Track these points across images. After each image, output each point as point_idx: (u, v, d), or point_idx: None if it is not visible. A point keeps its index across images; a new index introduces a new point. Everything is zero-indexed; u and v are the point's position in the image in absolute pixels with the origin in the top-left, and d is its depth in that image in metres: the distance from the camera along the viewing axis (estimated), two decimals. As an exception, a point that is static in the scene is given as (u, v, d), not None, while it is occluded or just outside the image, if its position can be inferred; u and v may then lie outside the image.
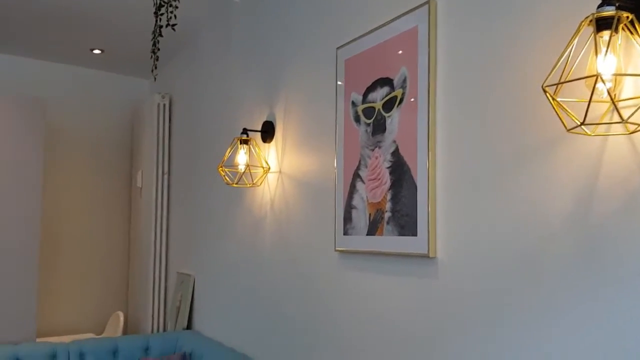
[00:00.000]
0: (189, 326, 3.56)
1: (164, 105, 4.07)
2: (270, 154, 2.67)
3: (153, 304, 3.99)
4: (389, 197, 1.85)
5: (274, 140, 2.66)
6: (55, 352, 3.07)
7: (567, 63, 1.24)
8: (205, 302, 3.36)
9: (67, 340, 3.55)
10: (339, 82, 2.14)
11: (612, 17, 1.12)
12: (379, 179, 1.90)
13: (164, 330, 3.94)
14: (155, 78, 2.49)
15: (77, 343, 3.16)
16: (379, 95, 1.93)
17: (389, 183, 1.86)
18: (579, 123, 1.17)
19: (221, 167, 2.63)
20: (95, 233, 4.51)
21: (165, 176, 4.06)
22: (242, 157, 2.61)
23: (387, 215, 1.85)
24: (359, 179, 2.00)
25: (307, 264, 2.33)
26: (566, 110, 1.22)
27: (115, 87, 4.62)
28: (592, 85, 1.10)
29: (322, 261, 2.23)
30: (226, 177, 2.73)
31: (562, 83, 1.19)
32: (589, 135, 1.27)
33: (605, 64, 1.12)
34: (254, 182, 2.69)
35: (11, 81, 4.16)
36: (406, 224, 1.77)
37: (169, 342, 3.31)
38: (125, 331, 4.38)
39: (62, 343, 3.14)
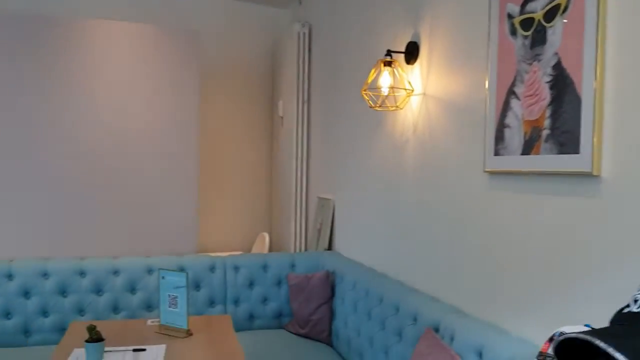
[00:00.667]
0: (329, 248, 3.73)
1: (304, 34, 4.13)
2: (414, 75, 2.63)
3: (295, 227, 4.21)
4: (547, 113, 1.76)
5: (418, 61, 2.61)
6: (214, 264, 3.38)
7: None
8: (345, 225, 3.49)
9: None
10: (492, -5, 2.02)
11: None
12: (537, 94, 1.80)
13: (307, 251, 4.16)
14: (300, 1, 2.52)
15: (232, 258, 3.45)
16: (539, 5, 1.80)
17: (548, 99, 1.76)
18: None
19: (365, 90, 2.65)
20: (244, 160, 4.80)
21: (305, 104, 4.18)
22: (385, 80, 2.60)
23: (545, 132, 1.76)
24: (513, 96, 1.92)
25: (453, 187, 2.31)
26: None
27: (258, 18, 4.76)
28: None
29: (469, 183, 2.20)
30: (369, 100, 2.75)
31: None
32: None
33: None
34: (397, 105, 2.68)
35: (163, 13, 4.43)
36: (567, 141, 1.68)
37: (312, 261, 3.50)
38: (270, 251, 4.69)
39: (219, 257, 3.45)
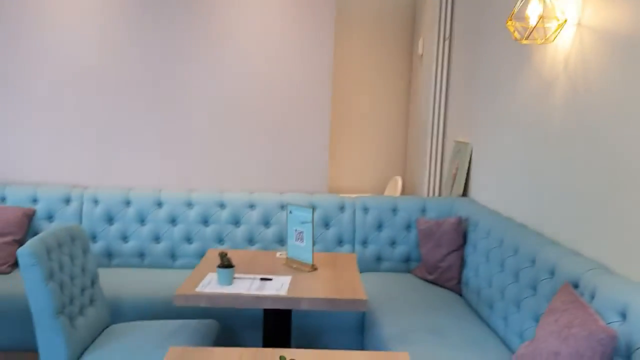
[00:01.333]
0: (464, 194, 3.56)
1: (447, -36, 3.86)
2: (568, 2, 2.33)
3: (429, 171, 4.07)
4: None
5: (574, -14, 2.30)
6: (344, 204, 3.39)
7: None
8: (483, 170, 3.29)
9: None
10: None
11: None
12: None
13: (439, 196, 4.02)
14: None
15: (362, 198, 3.43)
16: None
17: None
18: None
19: (510, 20, 2.40)
20: (378, 102, 4.71)
21: (446, 41, 3.94)
22: (534, 8, 2.33)
23: None
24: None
25: (611, 135, 2.03)
26: None
27: (397, -48, 4.53)
28: None
29: (633, 134, 1.92)
30: (515, 32, 2.49)
31: None
32: None
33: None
34: (546, 37, 2.40)
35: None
36: None
37: (444, 206, 3.37)
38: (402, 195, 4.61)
39: (349, 197, 3.45)
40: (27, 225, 3.17)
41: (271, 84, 3.65)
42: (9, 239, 3.07)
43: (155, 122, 3.55)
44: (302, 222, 2.47)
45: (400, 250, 3.36)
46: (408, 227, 3.37)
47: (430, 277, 3.16)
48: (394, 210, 3.39)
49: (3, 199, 3.25)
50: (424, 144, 4.15)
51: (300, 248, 2.50)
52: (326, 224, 3.36)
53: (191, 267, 3.30)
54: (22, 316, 2.71)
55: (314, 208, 2.44)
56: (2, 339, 2.71)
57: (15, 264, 3.12)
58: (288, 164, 3.69)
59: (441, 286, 3.11)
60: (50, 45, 3.43)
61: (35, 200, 3.26)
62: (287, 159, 3.69)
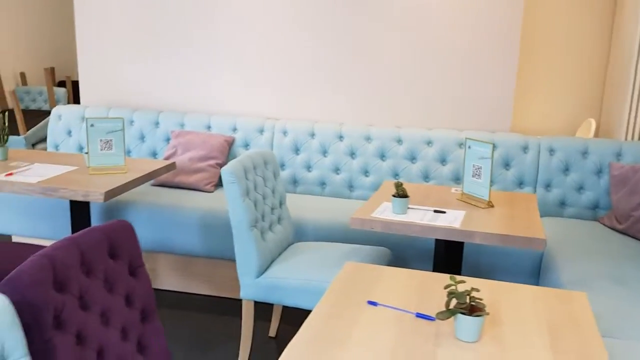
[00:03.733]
0: (670, 139, 3.19)
1: None
2: None
3: (629, 112, 3.69)
4: None
5: None
6: (527, 144, 3.25)
7: None
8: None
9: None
10: None
11: None
12: None
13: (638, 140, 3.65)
14: None
15: (548, 139, 3.25)
16: None
17: None
18: None
19: None
20: (573, 37, 4.33)
21: (663, -35, 3.45)
22: None
23: None
24: None
25: None
26: None
27: None
28: None
29: None
30: None
31: None
32: None
33: None
34: None
35: None
36: None
37: (644, 152, 3.06)
38: (595, 140, 4.25)
39: (533, 137, 3.29)
40: (227, 151, 3.57)
41: (457, 19, 3.54)
42: (212, 162, 3.49)
43: (344, 64, 3.69)
44: (481, 158, 2.44)
45: (587, 196, 3.15)
46: (599, 172, 3.13)
47: (620, 227, 2.94)
48: (584, 153, 3.16)
49: (209, 127, 3.68)
50: (626, 82, 3.75)
51: (477, 184, 2.49)
52: (506, 164, 3.26)
53: (366, 198, 3.45)
54: (223, 229, 3.11)
55: (493, 144, 2.39)
56: (206, 248, 3.14)
57: (217, 184, 3.55)
58: (469, 101, 3.61)
59: (632, 237, 2.88)
60: (249, -14, 3.70)
61: (234, 129, 3.64)
62: (468, 96, 3.61)
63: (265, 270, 2.51)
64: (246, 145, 3.62)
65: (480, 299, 1.40)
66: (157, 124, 3.75)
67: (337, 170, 3.50)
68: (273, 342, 2.90)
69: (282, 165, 3.56)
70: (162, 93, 3.90)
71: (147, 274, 1.72)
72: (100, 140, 2.79)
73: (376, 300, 1.58)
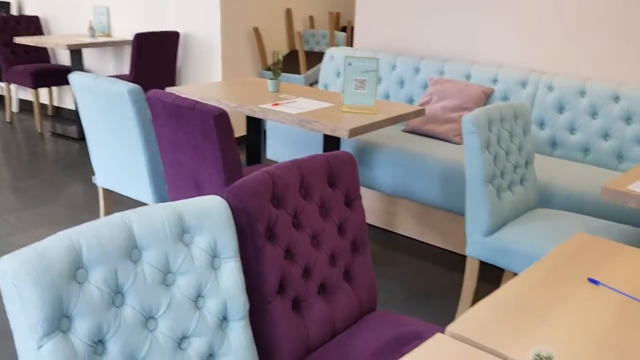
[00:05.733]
0: None
1: None
2: None
3: None
4: None
5: None
6: None
7: None
8: None
9: None
10: None
11: None
12: None
13: None
14: None
15: None
16: None
17: None
18: None
19: None
20: None
21: None
22: None
23: None
24: None
25: None
26: None
27: None
28: None
29: None
30: None
31: None
32: None
33: None
34: None
35: None
36: None
37: None
38: None
39: None
40: (483, 103, 3.40)
41: None
42: (466, 113, 3.36)
43: (627, 9, 3.14)
44: None
45: None
46: None
47: None
48: None
49: (468, 77, 3.54)
50: None
51: None
52: None
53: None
54: (463, 182, 3.00)
55: None
56: (445, 200, 3.08)
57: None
58: None
59: None
60: None
61: (495, 81, 3.43)
62: None
63: (497, 230, 2.36)
64: (505, 99, 3.39)
65: None
66: (417, 70, 3.75)
67: (606, 136, 3.06)
68: (498, 307, 2.75)
69: (542, 124, 3.25)
70: (426, 39, 3.87)
71: (362, 207, 1.76)
72: (355, 80, 2.91)
73: (599, 280, 1.35)
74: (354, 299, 1.70)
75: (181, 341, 1.25)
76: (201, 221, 1.29)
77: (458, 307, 2.48)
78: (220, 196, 1.35)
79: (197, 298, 1.28)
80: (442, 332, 1.14)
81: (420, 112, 3.07)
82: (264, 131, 3.86)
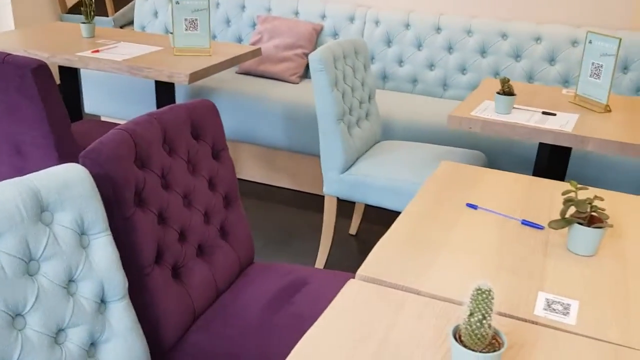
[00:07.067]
0: None
1: None
2: None
3: None
4: None
5: None
6: (654, 44, 2.84)
7: None
8: None
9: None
10: None
11: None
12: None
13: None
14: None
15: (680, 39, 2.82)
16: None
17: None
18: None
19: None
20: None
21: None
22: None
23: None
24: None
25: None
26: None
27: None
28: None
29: None
30: None
31: None
32: None
33: None
34: None
35: None
36: None
37: None
38: None
39: (662, 37, 2.86)
40: (315, 40, 3.37)
41: None
42: (299, 51, 3.31)
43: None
44: (603, 55, 2.12)
45: None
46: None
47: None
48: None
49: (296, 13, 3.47)
50: None
51: (595, 85, 2.19)
52: (625, 67, 2.89)
53: (461, 99, 3.20)
54: (308, 123, 2.98)
55: (620, 39, 2.06)
56: (290, 141, 3.05)
57: (303, 75, 3.39)
58: (589, -6, 3.16)
59: None
60: None
61: (323, 17, 3.41)
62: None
63: (350, 166, 2.40)
64: (335, 35, 3.40)
65: (603, 210, 1.21)
66: (243, 7, 3.58)
67: (431, 66, 3.24)
68: (353, 239, 2.85)
69: (372, 59, 3.34)
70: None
71: (231, 159, 1.64)
72: (185, 20, 2.67)
73: (476, 204, 1.42)
74: (233, 256, 1.60)
75: (57, 335, 1.05)
76: (61, 195, 1.07)
77: (320, 245, 2.51)
78: (76, 162, 1.14)
79: (69, 284, 1.08)
80: (326, 274, 1.11)
81: (257, 52, 2.95)
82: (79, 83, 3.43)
